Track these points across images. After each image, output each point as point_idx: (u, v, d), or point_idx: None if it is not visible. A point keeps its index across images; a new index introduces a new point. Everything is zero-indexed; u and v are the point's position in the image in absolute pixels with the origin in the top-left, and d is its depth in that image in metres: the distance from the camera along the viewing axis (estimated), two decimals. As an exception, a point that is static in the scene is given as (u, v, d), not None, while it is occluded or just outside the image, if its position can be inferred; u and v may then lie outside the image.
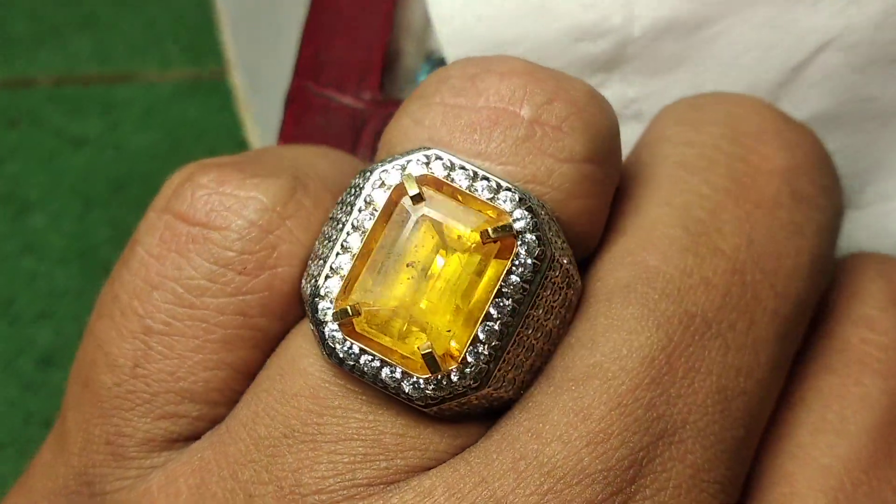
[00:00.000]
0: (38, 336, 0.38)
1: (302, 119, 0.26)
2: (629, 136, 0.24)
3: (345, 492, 0.18)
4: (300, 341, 0.19)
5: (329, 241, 0.19)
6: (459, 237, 0.18)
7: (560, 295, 0.18)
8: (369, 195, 0.18)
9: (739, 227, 0.19)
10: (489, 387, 0.18)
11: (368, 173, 0.19)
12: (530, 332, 0.18)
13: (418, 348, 0.17)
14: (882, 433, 0.20)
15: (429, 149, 0.19)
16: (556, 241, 0.18)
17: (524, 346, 0.18)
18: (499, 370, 0.18)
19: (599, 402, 0.18)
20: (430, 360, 0.17)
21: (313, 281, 0.19)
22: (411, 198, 0.18)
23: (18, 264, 0.40)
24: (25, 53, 0.43)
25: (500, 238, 0.18)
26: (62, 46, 0.43)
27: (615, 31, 0.22)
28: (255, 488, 0.18)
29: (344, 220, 0.19)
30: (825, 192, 0.21)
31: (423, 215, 0.18)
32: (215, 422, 0.20)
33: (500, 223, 0.18)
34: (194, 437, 0.20)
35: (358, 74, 0.27)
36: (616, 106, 0.23)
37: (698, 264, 0.19)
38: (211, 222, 0.20)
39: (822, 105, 0.23)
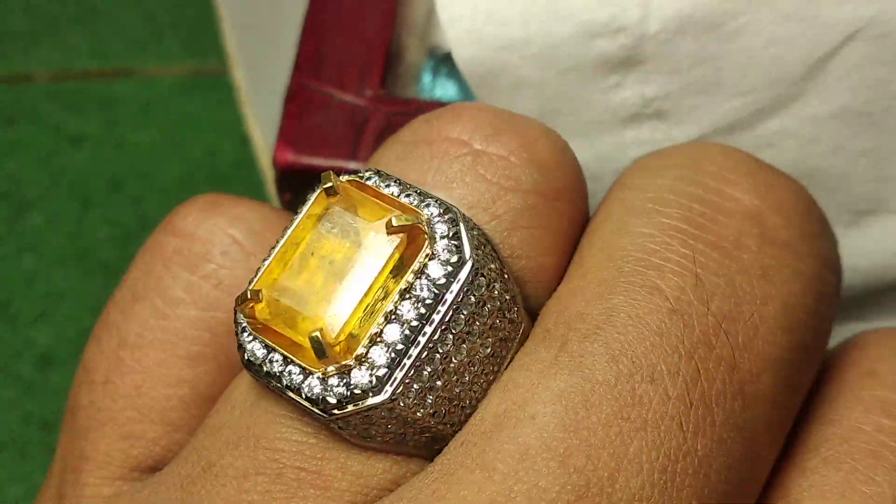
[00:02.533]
0: (37, 337, 0.38)
1: (302, 116, 0.26)
2: (650, 135, 0.24)
3: None
4: (239, 378, 0.19)
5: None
6: (370, 230, 0.18)
7: (492, 320, 0.17)
8: (302, 206, 0.19)
9: (684, 266, 0.17)
10: (399, 402, 0.17)
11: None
12: (450, 348, 0.17)
13: (308, 335, 0.17)
14: None
15: (368, 170, 0.19)
16: (484, 261, 0.18)
17: (445, 367, 0.17)
18: (409, 385, 0.17)
19: (505, 455, 0.16)
20: (316, 345, 0.17)
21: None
22: (324, 190, 0.18)
23: (16, 264, 0.39)
24: (22, 49, 0.43)
25: (406, 230, 0.17)
26: (60, 41, 0.43)
27: (631, 27, 0.22)
28: None
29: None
30: (807, 238, 0.19)
31: (332, 208, 0.18)
32: (170, 450, 0.20)
33: (403, 217, 0.17)
34: (149, 466, 0.20)
35: (359, 71, 0.26)
36: (635, 105, 0.23)
37: (627, 303, 0.17)
38: (197, 235, 0.21)
39: (850, 100, 0.23)
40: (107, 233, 0.40)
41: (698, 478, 0.16)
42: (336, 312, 0.17)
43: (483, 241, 0.18)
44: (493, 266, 0.18)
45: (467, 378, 0.17)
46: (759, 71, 0.22)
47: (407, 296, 0.17)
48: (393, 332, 0.17)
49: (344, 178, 0.18)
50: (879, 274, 0.25)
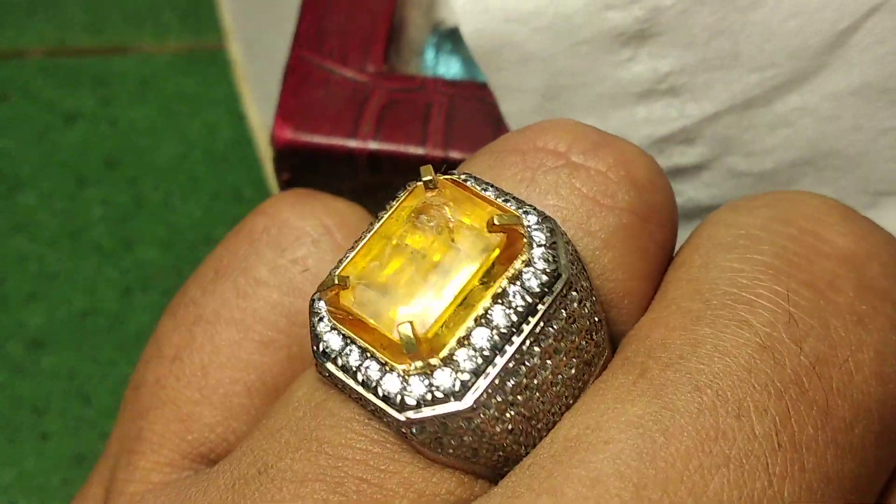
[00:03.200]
0: (29, 318, 0.38)
1: (301, 92, 0.25)
2: (663, 112, 0.23)
3: None
4: (305, 376, 0.18)
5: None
6: (465, 229, 0.17)
7: (580, 340, 0.17)
8: (390, 203, 0.18)
9: (776, 304, 0.17)
10: (479, 412, 0.16)
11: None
12: (536, 362, 0.16)
13: (397, 326, 0.16)
14: None
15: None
16: (577, 277, 0.17)
17: (529, 382, 0.16)
18: (491, 396, 0.16)
19: (575, 481, 0.15)
20: (406, 338, 0.16)
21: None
22: (424, 183, 0.17)
23: (8, 244, 0.39)
24: (16, 24, 0.42)
25: (507, 230, 0.16)
26: (55, 16, 0.43)
27: None
28: None
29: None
30: None
31: (428, 202, 0.17)
32: (225, 440, 0.19)
33: (510, 216, 0.17)
34: (201, 455, 0.19)
35: (361, 46, 0.26)
36: (648, 80, 0.22)
37: (713, 334, 0.16)
38: (289, 219, 0.20)
39: (871, 75, 0.22)
40: (101, 212, 0.39)
41: None
42: (425, 308, 0.16)
43: (576, 257, 0.17)
44: (584, 283, 0.17)
45: (548, 397, 0.17)
46: (779, 44, 0.22)
47: (499, 301, 0.16)
48: (481, 337, 0.16)
49: (440, 176, 0.18)
50: (898, 258, 0.25)
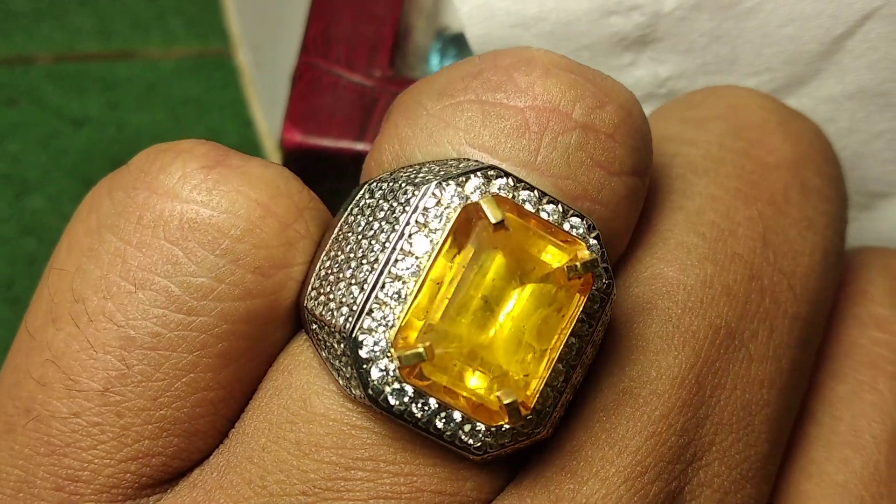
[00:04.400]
0: (39, 320, 0.38)
1: (309, 97, 0.26)
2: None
3: None
4: (307, 376, 0.17)
5: (362, 261, 0.16)
6: (535, 269, 0.16)
7: (603, 325, 0.17)
8: (424, 213, 0.16)
9: (753, 229, 0.18)
10: (548, 433, 0.16)
11: (412, 187, 0.16)
12: (579, 368, 0.17)
13: (497, 397, 0.16)
14: None
15: (479, 163, 0.16)
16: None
17: (571, 384, 0.17)
18: (559, 412, 0.16)
19: (634, 432, 0.16)
20: (513, 412, 0.16)
21: (345, 309, 0.16)
22: (494, 225, 0.15)
23: (18, 247, 0.39)
24: (24, 30, 0.43)
25: (586, 276, 0.16)
26: (62, 23, 0.43)
27: (646, 4, 0.22)
28: None
29: (384, 238, 0.16)
30: (832, 182, 0.20)
31: (502, 245, 0.16)
32: (190, 460, 0.17)
33: (585, 258, 0.16)
34: (162, 480, 0.17)
35: (368, 51, 0.26)
36: (649, 85, 0.23)
37: (718, 272, 0.18)
38: (211, 204, 0.16)
39: (866, 80, 0.22)
40: (109, 215, 0.40)
41: (771, 423, 0.18)
42: (508, 364, 0.16)
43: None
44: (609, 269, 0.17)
45: (578, 381, 0.17)
46: (776, 49, 0.22)
47: (571, 336, 0.16)
48: (556, 373, 0.16)
49: (474, 188, 0.16)
50: (892, 257, 0.25)
